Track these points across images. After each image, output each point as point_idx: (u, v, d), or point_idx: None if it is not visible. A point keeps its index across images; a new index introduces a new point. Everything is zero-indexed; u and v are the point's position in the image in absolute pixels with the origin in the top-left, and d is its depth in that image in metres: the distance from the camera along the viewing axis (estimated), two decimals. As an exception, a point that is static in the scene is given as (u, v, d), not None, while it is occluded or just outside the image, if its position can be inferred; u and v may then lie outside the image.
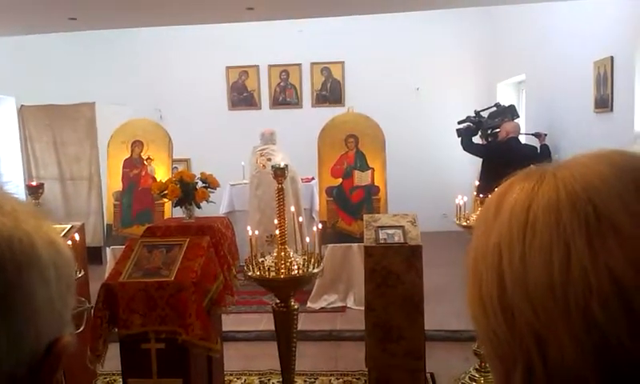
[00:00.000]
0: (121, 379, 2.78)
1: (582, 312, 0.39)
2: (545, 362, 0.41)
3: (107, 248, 5.28)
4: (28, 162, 6.63)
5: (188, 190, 3.17)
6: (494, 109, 5.91)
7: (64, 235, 3.15)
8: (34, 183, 3.18)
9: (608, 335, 0.39)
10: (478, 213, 3.25)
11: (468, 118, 5.79)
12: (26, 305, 0.42)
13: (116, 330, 2.59)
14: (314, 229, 3.27)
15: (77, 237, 3.18)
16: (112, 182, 5.48)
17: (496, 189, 0.50)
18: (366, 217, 3.57)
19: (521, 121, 6.06)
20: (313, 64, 8.05)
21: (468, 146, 5.59)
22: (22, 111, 6.63)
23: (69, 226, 3.36)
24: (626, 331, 0.39)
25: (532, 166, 0.49)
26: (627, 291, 0.39)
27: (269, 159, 5.49)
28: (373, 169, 5.14)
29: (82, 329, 0.50)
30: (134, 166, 5.46)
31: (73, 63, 7.57)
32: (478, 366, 3.41)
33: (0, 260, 0.41)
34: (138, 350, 2.56)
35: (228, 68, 8.10)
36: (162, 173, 5.34)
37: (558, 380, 0.41)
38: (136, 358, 2.57)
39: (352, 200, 5.10)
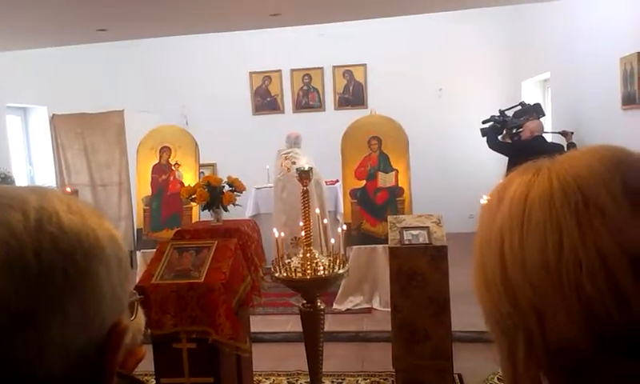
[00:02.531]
0: (153, 380, 2.86)
1: (574, 287, 0.44)
2: (543, 333, 0.46)
3: (138, 252, 5.41)
4: (60, 169, 6.84)
5: (215, 194, 3.24)
6: (519, 108, 5.85)
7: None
8: (68, 190, 3.28)
9: (597, 307, 0.43)
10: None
11: (492, 117, 5.74)
12: (93, 290, 0.48)
13: (149, 330, 2.67)
14: (339, 230, 3.31)
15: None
16: (141, 187, 5.61)
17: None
18: (390, 218, 3.58)
19: (547, 119, 5.99)
20: (335, 67, 8.10)
21: (494, 145, 5.55)
22: (54, 120, 6.84)
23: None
24: (613, 303, 0.43)
25: (530, 161, 0.54)
26: (613, 267, 0.43)
27: (293, 162, 5.55)
28: (396, 170, 5.14)
29: (133, 318, 0.56)
30: (163, 172, 5.59)
31: (102, 72, 7.79)
32: (506, 367, 3.38)
33: (71, 251, 0.47)
34: (170, 349, 2.64)
35: (251, 73, 8.22)
36: (189, 178, 5.45)
37: (555, 348, 0.46)
38: (168, 357, 2.65)
39: (376, 202, 5.12)
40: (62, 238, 0.46)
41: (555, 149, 5.00)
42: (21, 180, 6.95)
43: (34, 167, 7.38)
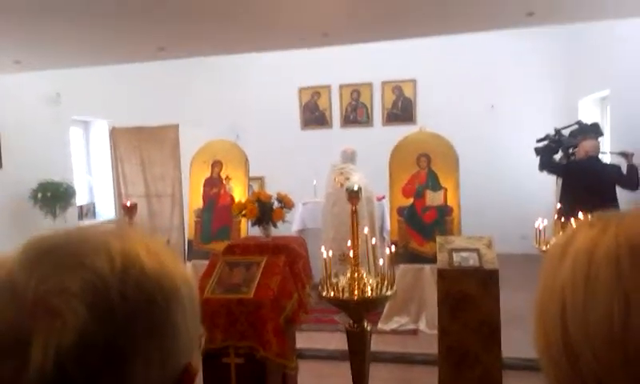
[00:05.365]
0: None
1: None
2: None
3: (188, 262, 5.55)
4: (118, 180, 7.15)
5: (265, 210, 3.31)
6: (576, 127, 5.65)
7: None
8: (128, 204, 3.43)
9: None
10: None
11: (547, 136, 5.57)
12: (172, 331, 0.51)
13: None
14: (387, 251, 3.29)
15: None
16: (193, 199, 5.78)
17: (565, 231, 0.52)
18: (439, 238, 3.53)
19: (605, 139, 5.75)
20: (384, 83, 8.10)
21: (546, 165, 5.38)
22: (113, 133, 7.17)
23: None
24: None
25: (598, 213, 0.51)
26: None
27: (347, 178, 5.55)
28: (445, 189, 5.07)
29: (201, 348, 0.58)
30: (214, 185, 5.74)
31: (158, 88, 8.10)
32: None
33: (153, 294, 0.50)
34: (219, 364, 2.70)
35: (301, 89, 8.34)
36: (239, 191, 5.58)
37: None
38: (217, 371, 2.71)
39: (424, 220, 5.05)
40: (144, 281, 0.49)
41: (611, 170, 4.79)
42: (81, 190, 7.31)
43: (93, 177, 7.75)
